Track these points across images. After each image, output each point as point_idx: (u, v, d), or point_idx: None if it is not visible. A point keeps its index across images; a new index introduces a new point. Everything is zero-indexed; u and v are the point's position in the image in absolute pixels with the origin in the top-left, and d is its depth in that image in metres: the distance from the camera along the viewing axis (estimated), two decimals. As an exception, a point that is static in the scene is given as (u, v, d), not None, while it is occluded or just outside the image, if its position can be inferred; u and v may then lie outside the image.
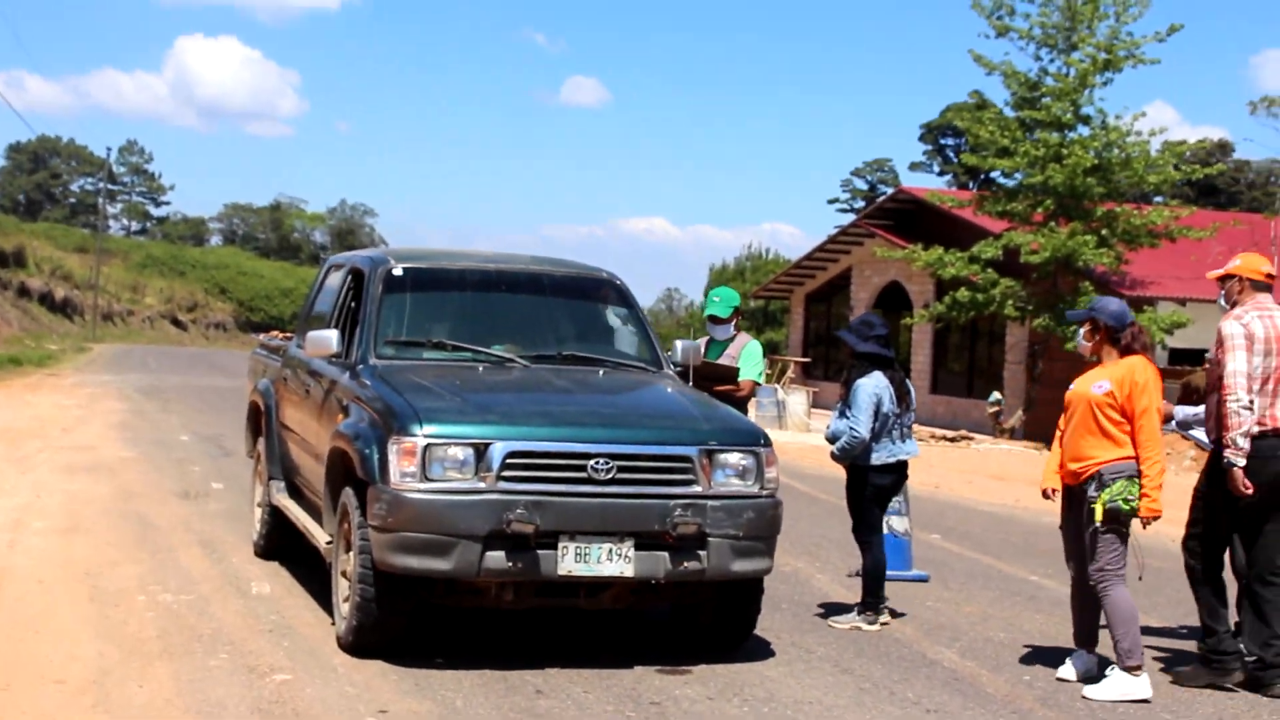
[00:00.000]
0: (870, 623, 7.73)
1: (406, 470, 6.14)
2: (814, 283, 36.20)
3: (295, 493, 8.41)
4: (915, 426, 8.22)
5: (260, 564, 8.67)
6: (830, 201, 75.76)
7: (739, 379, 8.52)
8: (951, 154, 65.43)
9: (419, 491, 6.12)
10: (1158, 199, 33.52)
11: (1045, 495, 6.95)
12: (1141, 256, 25.69)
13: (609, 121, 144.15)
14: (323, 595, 7.40)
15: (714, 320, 8.74)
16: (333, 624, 6.84)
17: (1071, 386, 6.82)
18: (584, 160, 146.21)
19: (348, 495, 6.59)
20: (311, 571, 8.10)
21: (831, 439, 7.85)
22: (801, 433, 24.19)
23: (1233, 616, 7.12)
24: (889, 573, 8.14)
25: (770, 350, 31.02)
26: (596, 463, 6.24)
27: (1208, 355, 7.16)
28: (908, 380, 8.07)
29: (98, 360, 35.45)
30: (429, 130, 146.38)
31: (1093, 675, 6.69)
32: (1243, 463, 6.61)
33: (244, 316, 71.08)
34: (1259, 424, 6.68)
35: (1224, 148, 54.32)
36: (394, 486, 6.15)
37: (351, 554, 6.47)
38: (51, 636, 6.62)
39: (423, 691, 5.95)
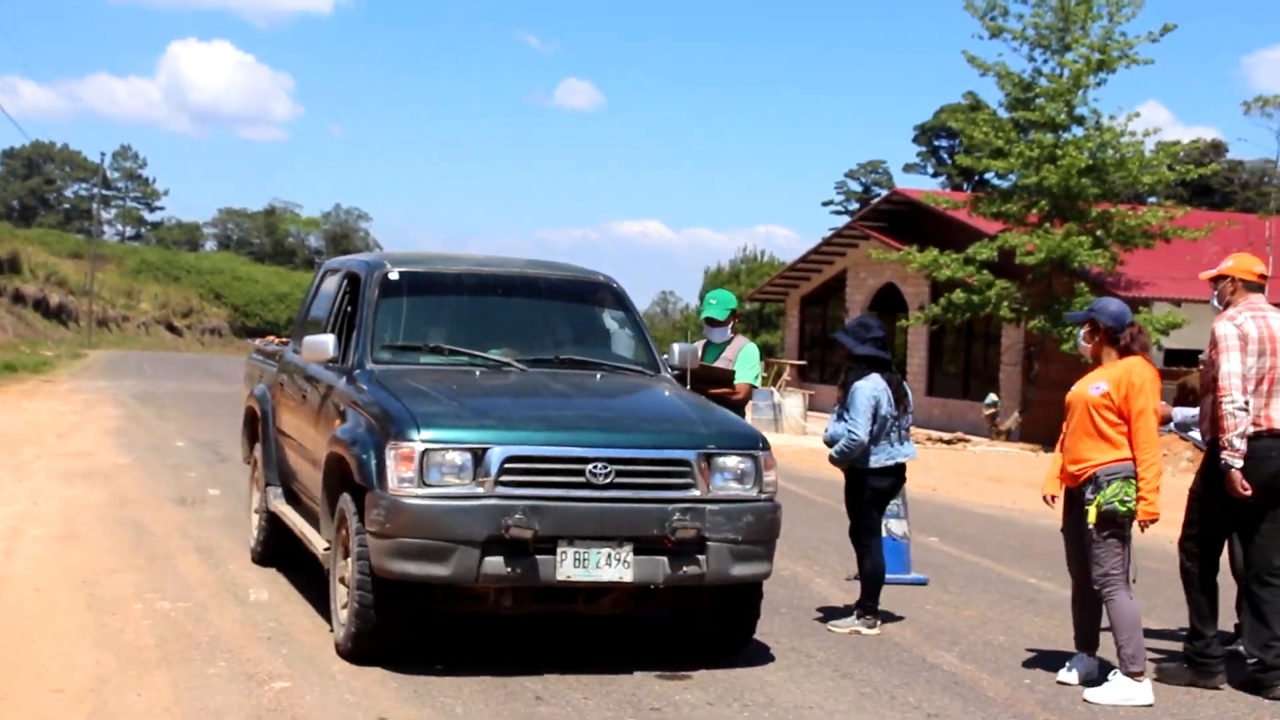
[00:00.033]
0: (869, 626, 7.72)
1: (404, 476, 6.12)
2: (809, 285, 36.19)
3: (292, 499, 8.38)
4: (911, 429, 8.21)
5: (258, 570, 8.64)
6: (825, 204, 75.95)
7: (735, 382, 8.50)
8: (946, 155, 65.40)
9: (417, 497, 6.10)
10: (1152, 200, 33.61)
11: (1046, 501, 6.94)
12: (1136, 257, 25.73)
13: (603, 124, 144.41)
14: (321, 602, 7.38)
15: (711, 323, 8.70)
16: (331, 631, 6.82)
17: (1072, 389, 6.81)
18: (578, 163, 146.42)
19: (345, 501, 6.57)
20: (309, 578, 8.07)
21: (830, 442, 7.84)
22: (798, 435, 24.15)
23: (1232, 618, 7.12)
24: (888, 576, 8.13)
25: (765, 353, 31.00)
26: (595, 467, 6.22)
27: (1202, 356, 7.15)
28: (905, 382, 8.06)
29: (93, 366, 35.43)
30: (423, 133, 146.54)
31: (1094, 678, 6.68)
32: (1240, 464, 6.60)
33: (239, 322, 70.95)
34: (1254, 424, 6.68)
35: (1218, 148, 54.45)
36: (392, 492, 6.13)
37: (349, 560, 6.44)
38: (49, 644, 6.60)
39: (422, 698, 5.93)
